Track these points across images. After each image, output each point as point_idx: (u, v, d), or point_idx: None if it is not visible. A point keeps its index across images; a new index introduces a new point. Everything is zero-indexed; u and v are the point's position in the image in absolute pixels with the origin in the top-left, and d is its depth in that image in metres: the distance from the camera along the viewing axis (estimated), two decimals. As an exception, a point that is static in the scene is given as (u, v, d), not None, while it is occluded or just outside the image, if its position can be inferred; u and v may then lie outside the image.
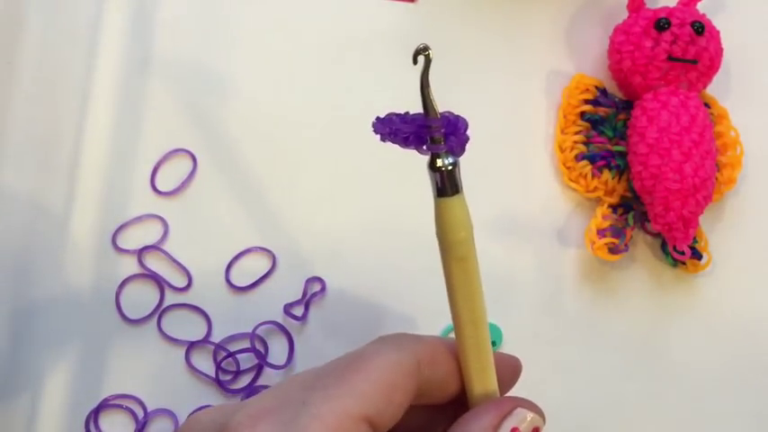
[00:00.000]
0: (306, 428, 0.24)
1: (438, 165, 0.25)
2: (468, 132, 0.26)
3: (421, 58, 0.25)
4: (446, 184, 0.25)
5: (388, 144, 0.42)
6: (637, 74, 0.40)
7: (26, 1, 0.43)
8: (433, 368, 0.27)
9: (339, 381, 0.26)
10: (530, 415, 0.27)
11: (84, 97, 0.42)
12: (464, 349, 0.27)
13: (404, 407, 0.26)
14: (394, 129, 0.25)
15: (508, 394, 0.29)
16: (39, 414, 0.38)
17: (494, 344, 0.39)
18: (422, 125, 0.25)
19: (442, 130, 0.25)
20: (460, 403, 0.29)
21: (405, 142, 0.26)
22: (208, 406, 0.38)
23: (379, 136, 0.26)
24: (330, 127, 0.42)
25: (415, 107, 0.43)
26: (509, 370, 0.30)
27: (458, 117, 0.25)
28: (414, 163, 0.42)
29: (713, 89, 0.42)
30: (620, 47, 0.41)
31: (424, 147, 0.25)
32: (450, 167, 0.25)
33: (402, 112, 0.26)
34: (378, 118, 0.26)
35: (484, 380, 0.28)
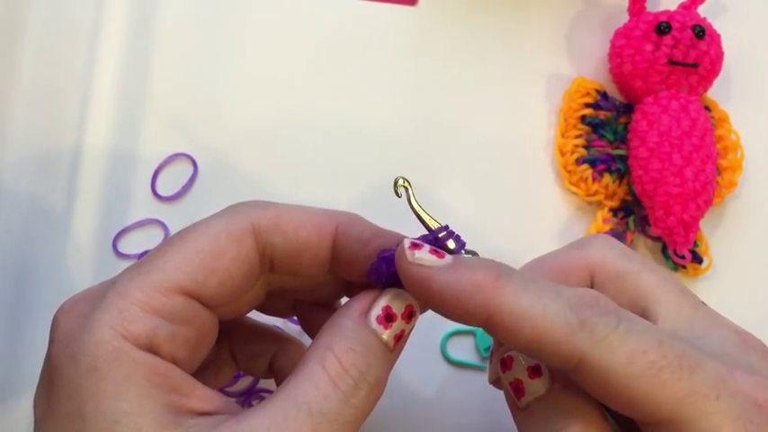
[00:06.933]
0: (109, 305, 0.24)
1: None
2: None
3: (402, 189, 0.26)
4: None
5: (388, 146, 0.42)
6: (637, 77, 0.40)
7: (26, 2, 0.43)
8: (278, 234, 0.26)
9: (152, 258, 0.25)
10: (397, 293, 0.26)
11: (84, 100, 0.42)
12: None
13: (238, 274, 0.26)
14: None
15: None
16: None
17: (488, 349, 0.39)
18: (431, 241, 0.26)
19: (453, 234, 0.26)
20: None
21: None
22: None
23: (381, 280, 0.27)
24: (331, 131, 0.42)
25: (415, 109, 0.43)
26: None
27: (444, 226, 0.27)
28: (413, 166, 0.42)
29: (714, 93, 0.42)
30: (621, 50, 0.41)
31: None
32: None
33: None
34: (377, 262, 0.27)
35: None
